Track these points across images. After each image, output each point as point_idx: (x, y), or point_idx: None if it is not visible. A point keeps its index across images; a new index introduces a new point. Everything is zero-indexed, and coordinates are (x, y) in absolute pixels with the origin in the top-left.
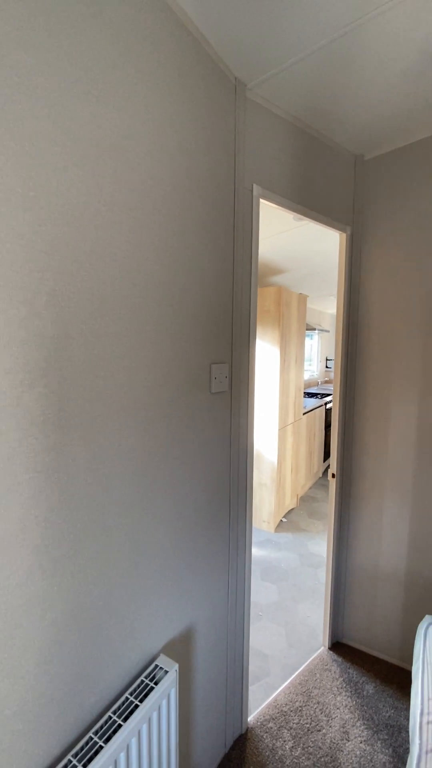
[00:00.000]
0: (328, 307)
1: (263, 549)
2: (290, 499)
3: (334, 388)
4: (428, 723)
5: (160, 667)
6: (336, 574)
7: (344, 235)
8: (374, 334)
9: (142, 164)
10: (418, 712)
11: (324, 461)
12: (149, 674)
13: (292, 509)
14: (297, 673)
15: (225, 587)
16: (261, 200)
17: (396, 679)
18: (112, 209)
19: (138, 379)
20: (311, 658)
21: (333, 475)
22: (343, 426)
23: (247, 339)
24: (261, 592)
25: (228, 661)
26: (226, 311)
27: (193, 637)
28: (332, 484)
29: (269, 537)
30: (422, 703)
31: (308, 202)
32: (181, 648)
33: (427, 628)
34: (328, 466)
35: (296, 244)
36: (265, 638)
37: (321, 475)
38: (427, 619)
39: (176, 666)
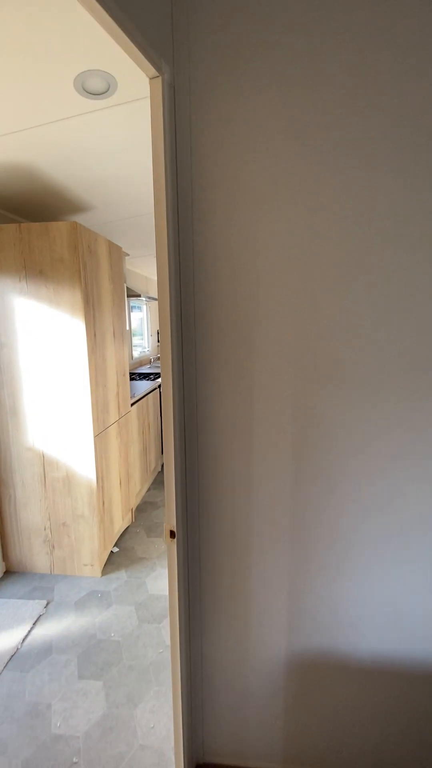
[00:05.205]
0: (155, 273)
1: (84, 612)
2: (122, 519)
3: (163, 387)
4: None
5: None
6: (189, 671)
7: (158, 79)
8: (222, 284)
9: None
10: None
11: (162, 453)
12: None
13: (127, 527)
14: None
15: None
16: None
17: None
18: None
19: None
20: None
21: (172, 534)
22: (182, 452)
23: None
24: (78, 707)
25: None
26: None
27: None
28: (171, 547)
29: (94, 587)
30: None
31: None
32: None
33: None
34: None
35: (99, 157)
36: None
37: (160, 470)
38: None
39: None
